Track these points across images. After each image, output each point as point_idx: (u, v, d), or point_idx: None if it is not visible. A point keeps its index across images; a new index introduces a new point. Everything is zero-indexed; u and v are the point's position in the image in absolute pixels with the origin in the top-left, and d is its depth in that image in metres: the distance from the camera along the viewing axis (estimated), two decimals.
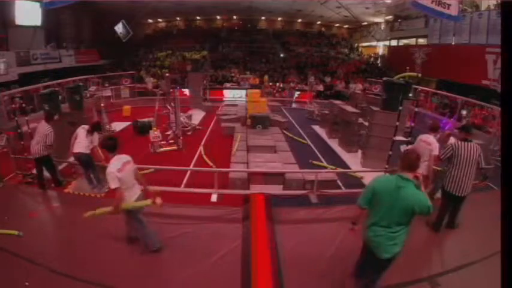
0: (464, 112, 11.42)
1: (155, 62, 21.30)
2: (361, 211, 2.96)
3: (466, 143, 4.19)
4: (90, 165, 5.56)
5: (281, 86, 18.21)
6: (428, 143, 4.57)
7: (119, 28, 16.73)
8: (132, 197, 3.57)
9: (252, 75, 18.88)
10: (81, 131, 5.39)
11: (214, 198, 5.45)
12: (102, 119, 9.42)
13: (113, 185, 3.34)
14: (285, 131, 9.68)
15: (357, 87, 16.80)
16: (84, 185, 5.68)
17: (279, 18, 27.32)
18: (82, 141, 5.33)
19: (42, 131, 5.28)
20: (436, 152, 4.43)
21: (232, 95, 17.49)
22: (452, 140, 4.93)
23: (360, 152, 7.63)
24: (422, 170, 4.14)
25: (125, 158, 3.56)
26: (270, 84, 18.49)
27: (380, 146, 6.54)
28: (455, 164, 4.18)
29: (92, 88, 12.20)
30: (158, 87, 10.77)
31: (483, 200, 5.49)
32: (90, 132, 5.37)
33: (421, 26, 18.92)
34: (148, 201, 3.54)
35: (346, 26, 28.02)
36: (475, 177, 4.43)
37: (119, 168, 3.40)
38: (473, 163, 4.13)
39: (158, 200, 3.55)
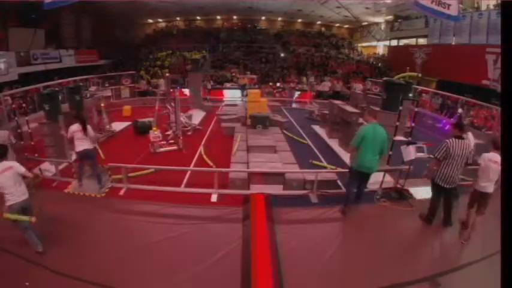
0: (461, 111, 11.38)
1: (155, 62, 21.29)
2: (355, 150, 4.72)
3: (459, 141, 4.31)
4: (95, 161, 5.63)
5: (281, 86, 18.21)
6: (499, 163, 4.05)
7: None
8: (14, 200, 3.66)
9: (243, 76, 18.52)
10: (77, 131, 5.38)
11: (214, 198, 5.45)
12: (102, 119, 9.43)
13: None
14: (285, 131, 9.67)
15: (357, 87, 16.80)
16: (84, 185, 5.69)
17: (279, 18, 27.32)
18: (84, 139, 5.38)
19: (3, 135, 5.52)
20: None
21: (232, 95, 17.50)
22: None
23: None
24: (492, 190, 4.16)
25: (7, 164, 3.72)
26: (271, 84, 18.50)
27: None
28: (447, 160, 4.33)
29: (92, 88, 12.18)
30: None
31: None
32: (84, 129, 5.37)
33: (421, 26, 18.92)
34: (26, 218, 3.65)
35: (346, 26, 28.03)
36: (467, 175, 4.80)
37: None
38: (463, 159, 4.32)
39: (33, 219, 3.67)
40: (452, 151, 4.26)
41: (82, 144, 5.36)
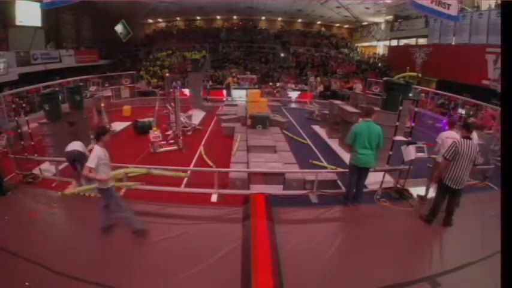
0: (463, 111, 11.41)
1: (155, 62, 21.29)
2: (350, 147, 5.09)
3: (467, 141, 4.37)
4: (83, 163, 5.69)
5: (281, 85, 18.21)
6: (453, 139, 4.85)
7: (119, 28, 16.72)
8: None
9: (231, 78, 18.37)
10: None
11: (214, 198, 5.45)
12: (102, 119, 9.44)
13: (93, 164, 3.77)
14: (285, 131, 9.67)
15: (357, 87, 16.79)
16: (83, 185, 5.68)
17: (279, 18, 27.31)
18: (73, 141, 5.64)
19: None
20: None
21: (232, 95, 17.52)
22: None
23: None
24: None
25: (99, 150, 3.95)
26: (271, 84, 18.50)
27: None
28: (456, 161, 4.37)
29: (92, 88, 12.18)
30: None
31: (483, 200, 5.49)
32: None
33: (421, 26, 18.92)
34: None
35: (346, 26, 28.02)
36: (473, 176, 4.87)
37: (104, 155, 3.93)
38: (471, 160, 4.38)
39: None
40: (461, 151, 4.32)
41: (71, 145, 5.54)
